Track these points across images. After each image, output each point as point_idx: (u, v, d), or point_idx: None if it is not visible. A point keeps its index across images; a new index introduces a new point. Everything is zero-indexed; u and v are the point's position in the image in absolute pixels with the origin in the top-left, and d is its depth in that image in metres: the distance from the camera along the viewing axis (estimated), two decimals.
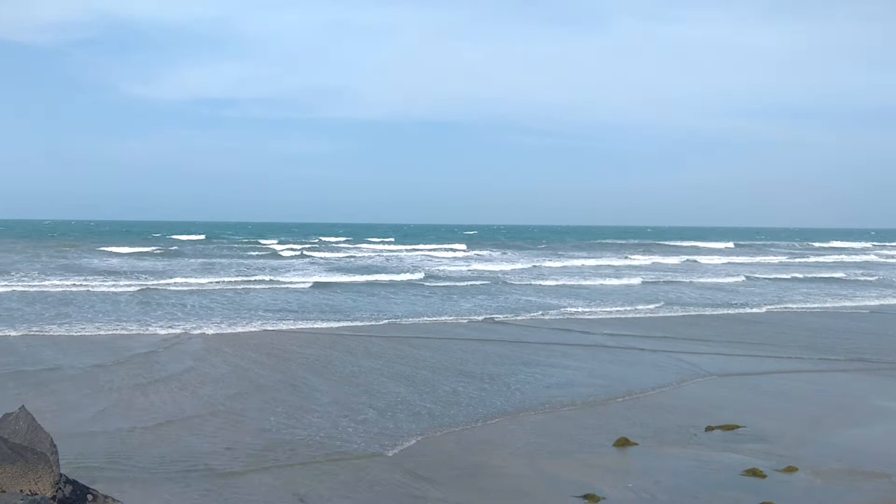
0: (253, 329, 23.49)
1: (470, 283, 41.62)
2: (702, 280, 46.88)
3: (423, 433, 12.72)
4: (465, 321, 26.52)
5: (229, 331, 22.99)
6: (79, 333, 21.85)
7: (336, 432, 12.63)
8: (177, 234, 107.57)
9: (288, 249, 73.89)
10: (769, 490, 10.19)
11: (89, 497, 8.48)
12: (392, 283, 40.54)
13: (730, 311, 31.29)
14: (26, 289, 32.63)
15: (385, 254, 72.12)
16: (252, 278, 40.46)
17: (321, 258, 63.32)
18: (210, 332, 22.76)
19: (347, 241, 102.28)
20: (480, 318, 27.17)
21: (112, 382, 15.93)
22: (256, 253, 68.08)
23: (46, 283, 35.20)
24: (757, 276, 51.71)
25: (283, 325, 24.18)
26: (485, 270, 51.22)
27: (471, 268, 53.30)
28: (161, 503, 9.42)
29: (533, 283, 42.35)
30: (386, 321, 26.03)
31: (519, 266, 55.80)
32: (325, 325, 24.65)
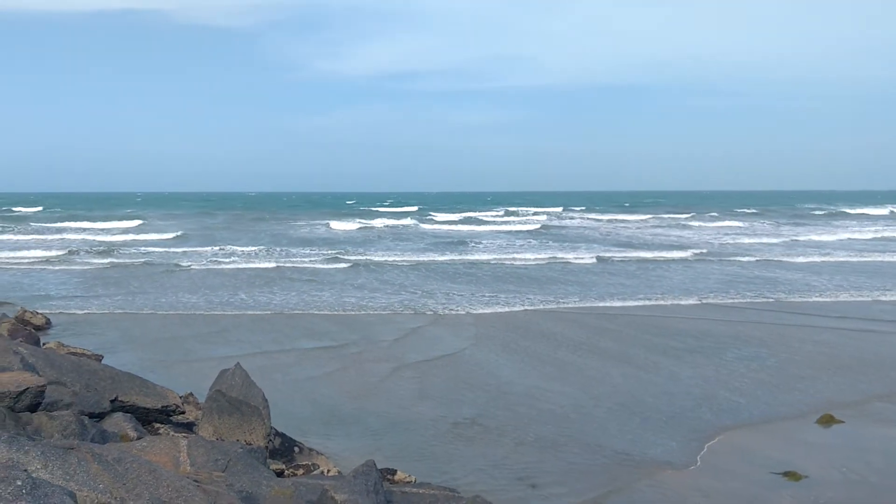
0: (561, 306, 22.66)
1: (747, 258, 37.52)
2: None
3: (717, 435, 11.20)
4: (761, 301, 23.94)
5: (502, 310, 22.03)
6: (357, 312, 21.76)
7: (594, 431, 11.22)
8: (376, 206, 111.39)
9: (530, 221, 73.97)
10: None
11: (296, 449, 9.19)
12: (681, 261, 36.75)
13: None
14: (281, 264, 34.68)
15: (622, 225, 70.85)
16: (527, 256, 38.45)
17: (571, 229, 61.76)
18: (479, 311, 21.62)
19: (566, 210, 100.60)
20: (772, 298, 24.42)
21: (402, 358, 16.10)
22: (494, 227, 67.44)
23: (290, 259, 37.36)
24: None
25: (570, 304, 23.06)
26: (753, 245, 46.96)
27: (738, 242, 49.10)
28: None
29: (803, 259, 37.18)
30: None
31: (774, 240, 50.47)
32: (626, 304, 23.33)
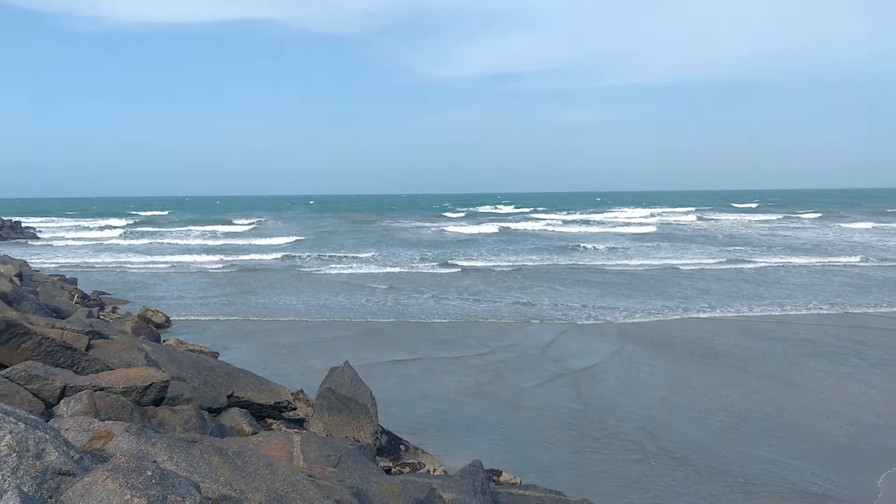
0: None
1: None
2: None
3: None
4: None
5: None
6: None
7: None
8: (483, 206, 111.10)
9: (646, 222, 72.47)
10: None
11: (402, 447, 9.34)
12: (811, 266, 34.18)
13: None
14: (394, 270, 35.44)
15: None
16: (701, 261, 36.50)
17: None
18: (625, 319, 20.77)
19: (695, 209, 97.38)
20: None
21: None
22: (608, 228, 66.45)
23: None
24: None
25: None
26: None
27: (885, 243, 45.86)
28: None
29: None
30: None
31: None
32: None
